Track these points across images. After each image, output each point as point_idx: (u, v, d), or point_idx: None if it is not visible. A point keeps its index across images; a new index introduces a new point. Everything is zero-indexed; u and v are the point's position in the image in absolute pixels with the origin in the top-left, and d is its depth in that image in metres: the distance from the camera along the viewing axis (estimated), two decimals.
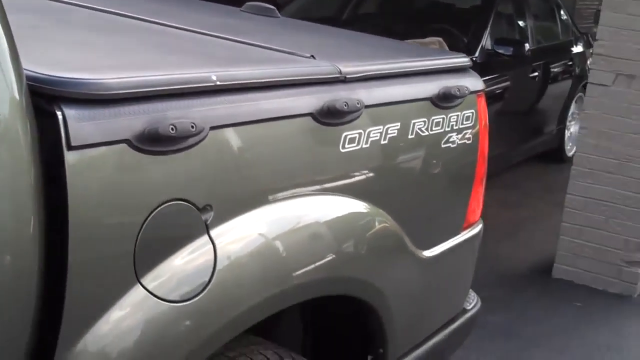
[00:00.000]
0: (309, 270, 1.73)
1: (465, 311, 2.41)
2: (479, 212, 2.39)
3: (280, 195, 1.68)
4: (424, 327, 2.22)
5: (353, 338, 2.07)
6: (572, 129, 7.93)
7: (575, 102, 7.82)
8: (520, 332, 3.89)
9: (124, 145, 1.36)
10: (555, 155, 7.70)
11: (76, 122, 1.30)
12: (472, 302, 2.47)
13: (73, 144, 1.28)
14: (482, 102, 2.33)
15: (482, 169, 2.31)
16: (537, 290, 4.52)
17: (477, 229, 2.40)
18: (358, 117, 1.83)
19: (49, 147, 1.28)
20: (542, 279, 4.65)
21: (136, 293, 1.40)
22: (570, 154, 7.93)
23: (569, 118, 7.79)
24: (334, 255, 1.81)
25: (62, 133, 1.28)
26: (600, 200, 4.52)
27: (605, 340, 3.93)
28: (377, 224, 1.95)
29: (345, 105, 1.77)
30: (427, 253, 2.14)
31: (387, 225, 1.97)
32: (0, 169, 1.21)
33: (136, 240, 1.39)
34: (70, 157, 1.28)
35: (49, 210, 1.29)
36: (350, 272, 1.88)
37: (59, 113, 1.28)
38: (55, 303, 1.31)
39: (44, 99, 1.29)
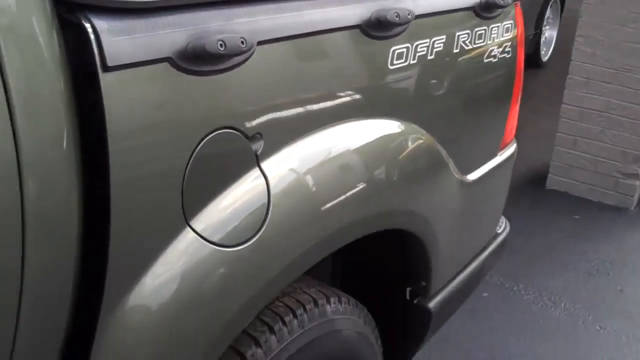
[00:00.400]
0: (368, 204, 1.55)
1: (497, 235, 2.28)
2: (514, 131, 2.22)
3: (332, 119, 1.48)
4: (464, 255, 2.08)
5: (391, 271, 1.91)
6: (547, 33, 7.81)
7: (551, 6, 7.67)
8: (522, 247, 3.79)
9: (165, 65, 1.14)
10: (531, 60, 7.57)
11: (110, 37, 1.07)
12: (502, 226, 2.33)
13: (109, 64, 1.06)
14: (519, 12, 2.14)
15: (519, 84, 2.13)
16: (532, 202, 4.42)
17: (512, 148, 2.24)
18: (406, 29, 1.62)
19: (79, 68, 1.06)
20: (536, 190, 4.55)
21: (186, 238, 1.21)
22: (545, 59, 7.84)
23: (544, 23, 7.65)
24: (391, 185, 1.63)
25: (95, 51, 1.05)
26: (596, 110, 4.39)
27: (608, 255, 3.85)
28: (427, 149, 1.76)
29: (396, 16, 1.56)
30: (470, 177, 1.97)
31: (436, 150, 1.79)
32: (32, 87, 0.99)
33: (184, 175, 1.19)
34: (107, 80, 1.06)
35: (84, 150, 1.08)
36: (406, 204, 1.70)
37: (87, 25, 1.05)
38: (97, 253, 1.11)
39: (65, 7, 1.05)
